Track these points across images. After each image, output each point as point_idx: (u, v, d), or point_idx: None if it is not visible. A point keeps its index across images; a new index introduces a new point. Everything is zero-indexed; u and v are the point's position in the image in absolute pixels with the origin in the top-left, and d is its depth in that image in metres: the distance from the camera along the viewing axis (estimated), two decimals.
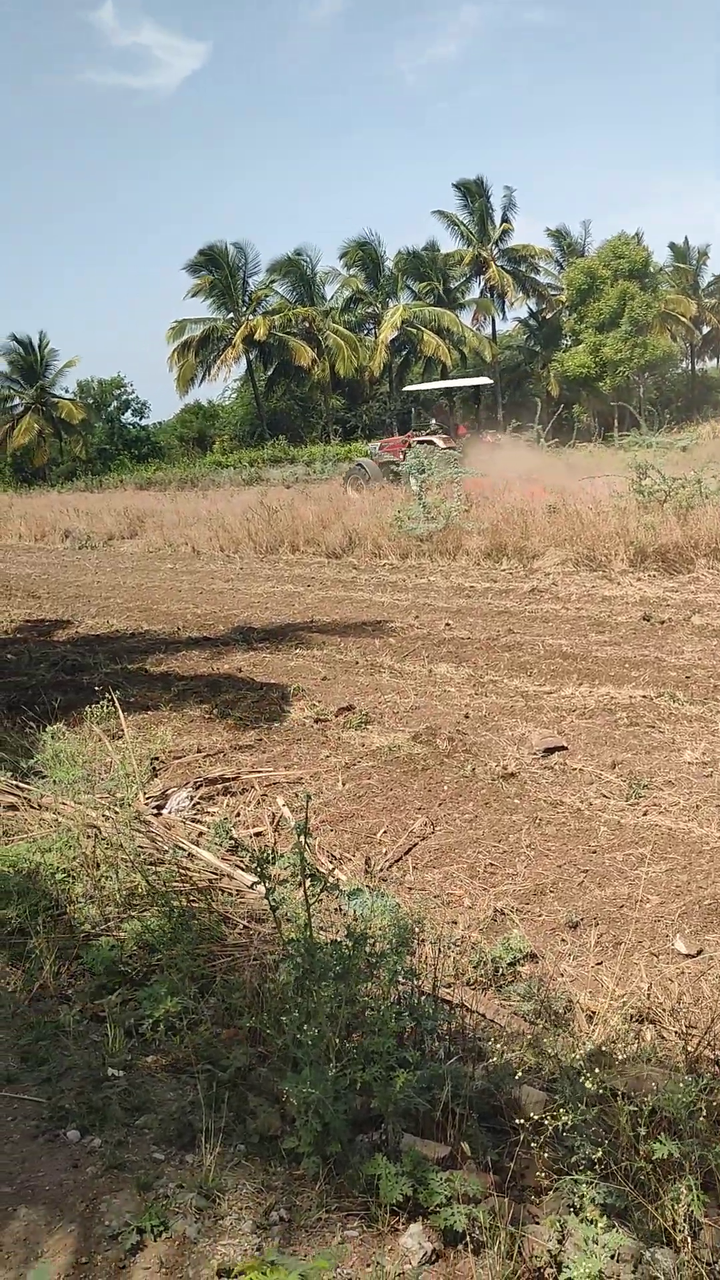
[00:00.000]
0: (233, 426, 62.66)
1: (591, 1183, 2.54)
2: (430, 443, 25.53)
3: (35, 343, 56.55)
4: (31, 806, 5.39)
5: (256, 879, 4.58)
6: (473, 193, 53.37)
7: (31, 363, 56.42)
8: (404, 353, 54.42)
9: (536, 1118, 2.95)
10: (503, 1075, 3.13)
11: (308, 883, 3.06)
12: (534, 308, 56.44)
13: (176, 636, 11.12)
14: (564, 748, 6.42)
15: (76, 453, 57.80)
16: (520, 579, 13.45)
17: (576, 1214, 2.51)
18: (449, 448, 25.57)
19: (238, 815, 5.72)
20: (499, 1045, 3.37)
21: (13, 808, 5.45)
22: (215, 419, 65.80)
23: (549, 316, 56.00)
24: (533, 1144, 2.85)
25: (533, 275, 54.91)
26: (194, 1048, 3.25)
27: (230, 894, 4.54)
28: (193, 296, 53.43)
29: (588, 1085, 2.71)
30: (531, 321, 57.27)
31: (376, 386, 57.23)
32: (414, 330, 51.59)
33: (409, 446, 23.34)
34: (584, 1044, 3.24)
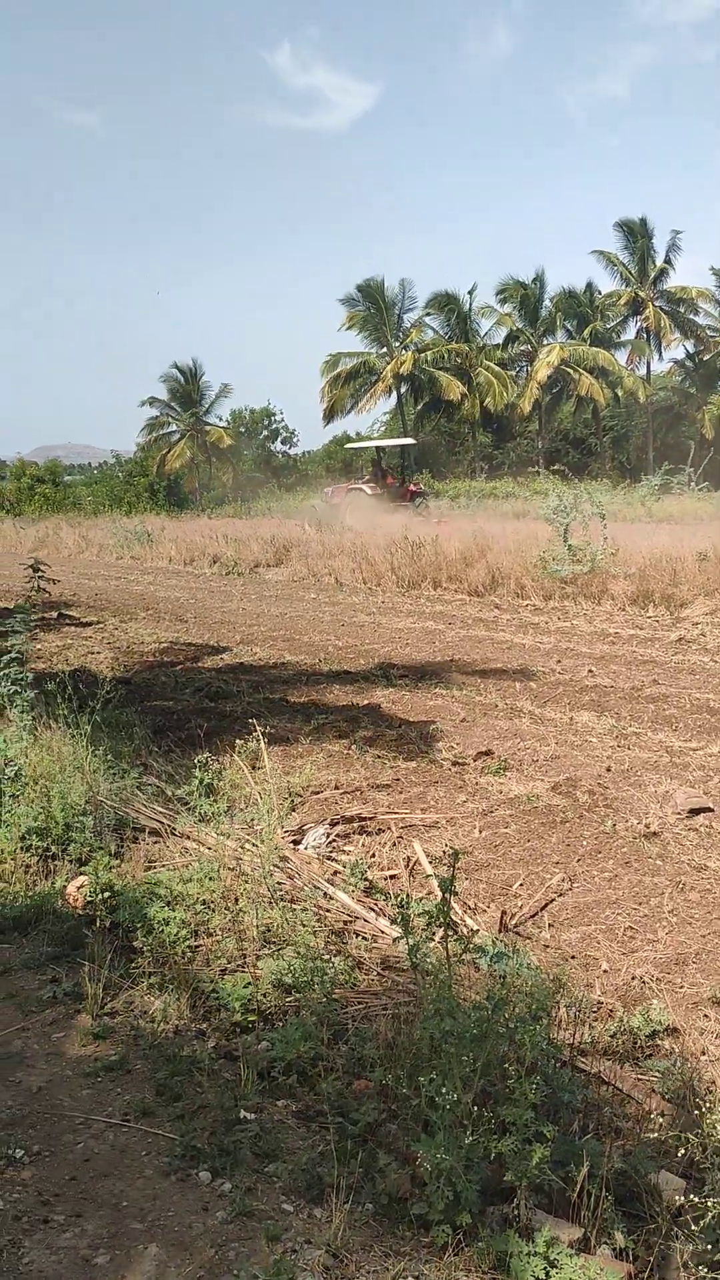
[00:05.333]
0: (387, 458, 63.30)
1: None
2: (361, 490, 33.08)
3: (193, 371, 58.44)
4: (175, 835, 5.50)
5: (391, 924, 4.57)
6: (635, 233, 52.80)
7: (189, 391, 58.27)
8: (555, 390, 54.08)
9: (676, 1205, 2.84)
10: (641, 1157, 3.03)
11: (451, 941, 3.03)
12: (691, 349, 55.36)
13: (318, 668, 11.24)
14: (710, 809, 6.21)
15: (226, 479, 59.36)
16: (667, 627, 13.13)
17: None
18: (375, 494, 32.35)
19: (372, 856, 5.72)
20: (637, 1125, 3.26)
21: (156, 834, 5.57)
22: (362, 451, 66.65)
23: (707, 359, 54.83)
24: (672, 1234, 2.74)
25: (691, 316, 53.87)
26: (325, 1096, 3.25)
27: (364, 937, 4.53)
28: (347, 329, 54.38)
29: None
30: (688, 363, 56.16)
31: (525, 424, 56.98)
32: (569, 369, 51.27)
33: (347, 491, 31.78)
34: None
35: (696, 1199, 2.74)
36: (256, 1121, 3.16)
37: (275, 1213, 2.76)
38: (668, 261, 53.11)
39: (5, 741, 6.06)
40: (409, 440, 44.27)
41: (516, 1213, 2.73)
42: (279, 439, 67.19)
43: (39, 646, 12.96)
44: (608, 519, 17.25)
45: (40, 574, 8.14)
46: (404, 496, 32.91)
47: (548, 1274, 2.50)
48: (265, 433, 66.85)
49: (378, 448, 39.41)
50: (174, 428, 58.80)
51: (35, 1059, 3.62)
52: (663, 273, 53.16)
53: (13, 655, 6.98)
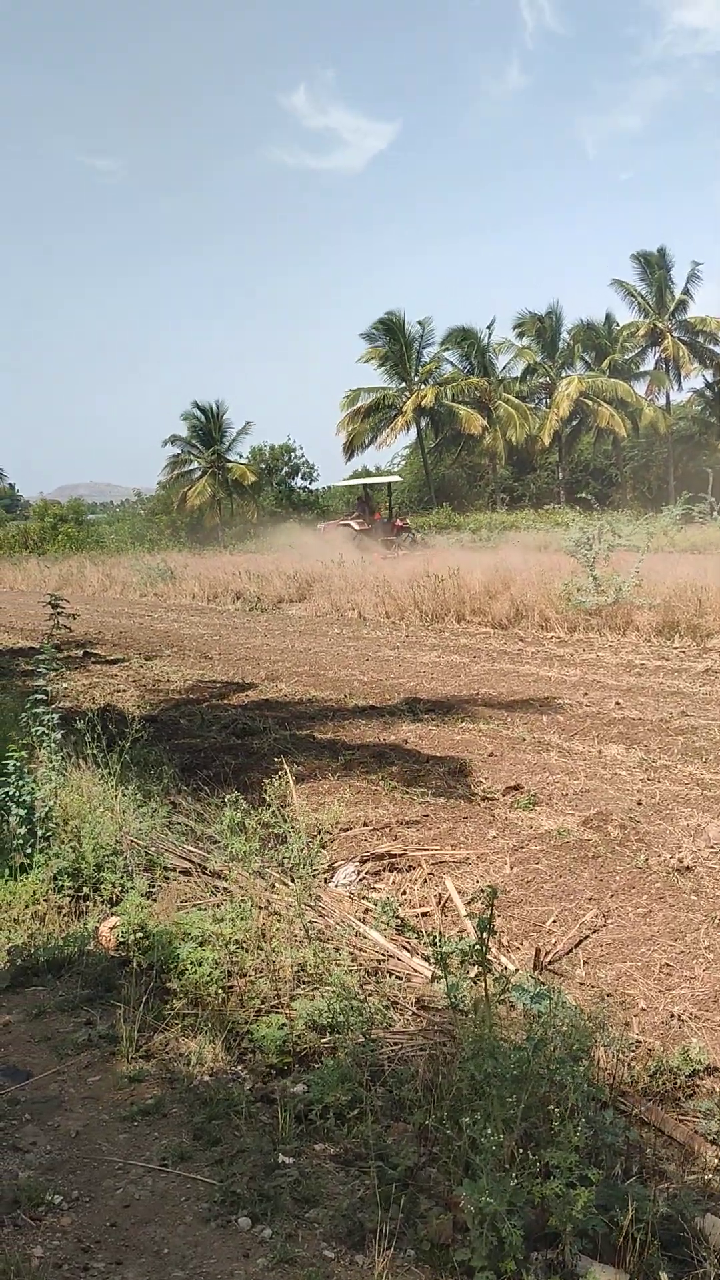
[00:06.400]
0: (400, 493, 63.50)
1: None
2: (348, 525, 35.62)
3: (214, 410, 58.92)
4: (206, 874, 5.50)
5: (426, 963, 4.54)
6: (653, 264, 53.09)
7: (210, 429, 58.73)
8: (574, 422, 54.23)
9: None
10: (686, 1200, 2.98)
11: (490, 981, 3.01)
12: (710, 379, 55.42)
13: (343, 704, 11.24)
14: None
15: (248, 515, 59.64)
16: (694, 658, 13.07)
17: None
18: (362, 530, 34.53)
19: (403, 893, 5.70)
20: (681, 1167, 3.22)
21: (187, 873, 5.57)
22: (353, 489, 66.95)
23: None
24: None
25: (710, 346, 53.99)
26: (363, 1139, 3.22)
27: (398, 976, 4.50)
28: (365, 363, 54.81)
29: None
30: (708, 392, 56.22)
31: (545, 456, 57.12)
32: (588, 401, 51.44)
33: (337, 527, 35.17)
34: None
35: None
36: (295, 1166, 3.14)
37: (316, 1259, 2.73)
38: (686, 292, 53.33)
39: (36, 782, 6.09)
40: (395, 478, 47.26)
41: (561, 1258, 2.70)
42: (299, 474, 67.57)
43: (65, 685, 13.03)
44: (630, 550, 17.25)
45: (60, 610, 8.17)
46: (391, 531, 34.72)
47: None
48: (285, 469, 67.26)
49: (365, 485, 42.20)
50: (195, 465, 59.22)
51: (72, 1103, 3.61)
52: (681, 304, 53.36)
53: (37, 696, 7.01)
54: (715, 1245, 2.82)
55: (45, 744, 6.56)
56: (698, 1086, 3.83)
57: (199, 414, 58.69)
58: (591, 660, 13.47)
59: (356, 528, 34.98)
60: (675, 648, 13.90)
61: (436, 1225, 2.83)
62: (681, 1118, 3.63)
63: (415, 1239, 2.81)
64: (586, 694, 11.06)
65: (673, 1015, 4.32)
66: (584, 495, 27.27)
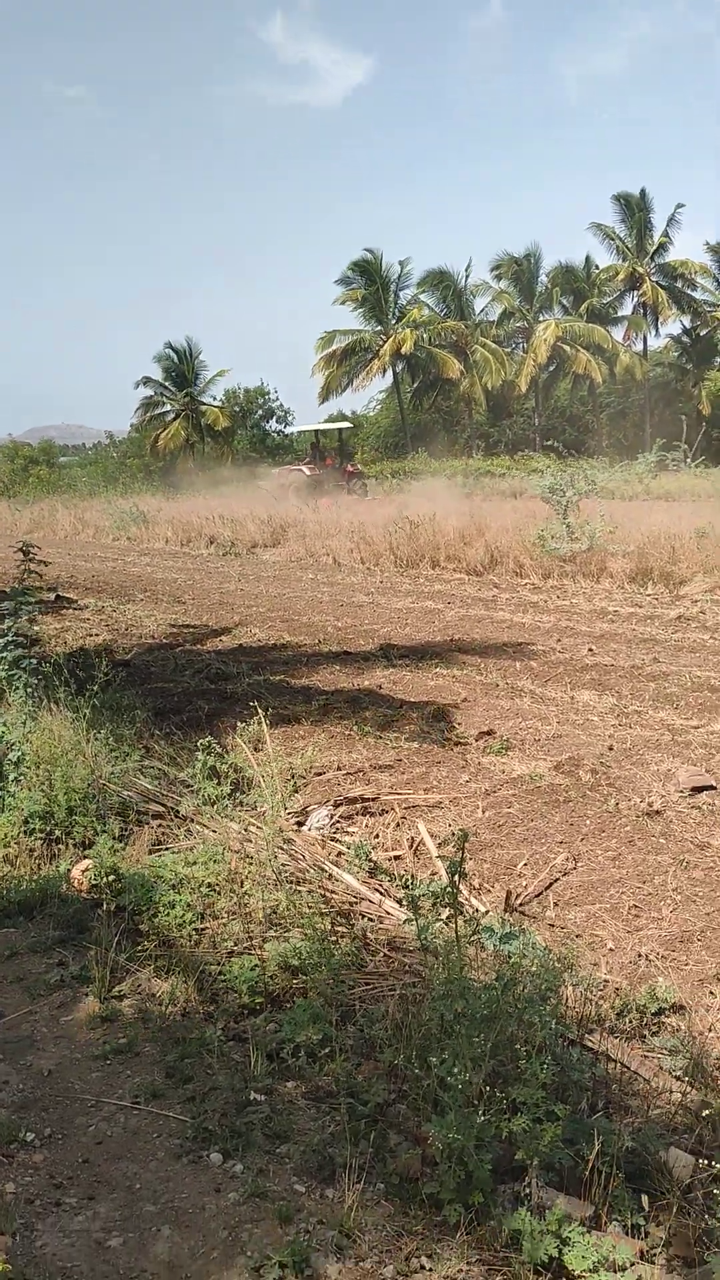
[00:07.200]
0: (376, 438, 62.98)
1: None
2: (300, 470, 36.46)
3: (188, 350, 57.96)
4: (179, 818, 5.50)
5: (398, 905, 4.58)
6: (633, 206, 52.32)
7: (183, 370, 57.83)
8: (551, 368, 53.78)
9: (686, 1183, 2.86)
10: (651, 1134, 3.04)
11: (460, 923, 3.03)
12: (688, 324, 55.02)
13: (318, 649, 11.23)
14: (713, 787, 6.21)
15: (221, 459, 59.02)
16: (666, 605, 13.12)
17: None
18: (313, 474, 35.34)
19: (376, 837, 5.73)
20: (646, 1102, 3.28)
21: (160, 817, 5.57)
22: (358, 429, 66.31)
23: (704, 334, 54.52)
24: (683, 1211, 2.76)
25: (689, 292, 53.51)
26: (334, 1077, 3.26)
27: (370, 919, 4.53)
28: (340, 305, 53.95)
29: None
30: (685, 338, 55.84)
31: (522, 401, 56.72)
32: (565, 346, 50.99)
33: (289, 472, 36.16)
34: None
35: (705, 1177, 2.76)
36: (267, 1103, 3.17)
37: (287, 1194, 2.77)
38: (666, 235, 52.69)
39: (6, 725, 6.05)
40: (346, 424, 48.01)
41: (528, 1191, 2.74)
42: (273, 418, 66.88)
43: (37, 629, 12.94)
44: (604, 497, 17.21)
45: (31, 557, 8.07)
46: (342, 477, 35.76)
47: (560, 1251, 2.52)
48: (260, 412, 66.54)
49: (316, 431, 42.74)
50: (168, 407, 58.39)
51: (44, 1042, 3.62)
52: (661, 247, 52.76)
53: (9, 639, 6.95)
54: (679, 1178, 2.88)
55: (15, 688, 6.51)
56: (663, 1024, 3.90)
57: (172, 354, 57.73)
58: (565, 607, 13.50)
59: (308, 473, 35.88)
60: (648, 595, 13.94)
61: (405, 1160, 2.88)
62: (647, 1054, 3.70)
63: (385, 1173, 2.85)
64: (560, 640, 11.10)
65: (640, 955, 4.38)
66: (553, 444, 27.13)
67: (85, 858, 5.13)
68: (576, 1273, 2.46)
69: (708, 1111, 3.01)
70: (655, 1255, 2.60)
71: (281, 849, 5.01)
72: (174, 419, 57.67)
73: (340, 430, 44.89)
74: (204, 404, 58.36)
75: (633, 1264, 2.51)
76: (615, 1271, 2.46)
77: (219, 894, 4.55)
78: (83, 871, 4.95)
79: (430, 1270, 2.50)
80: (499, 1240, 2.58)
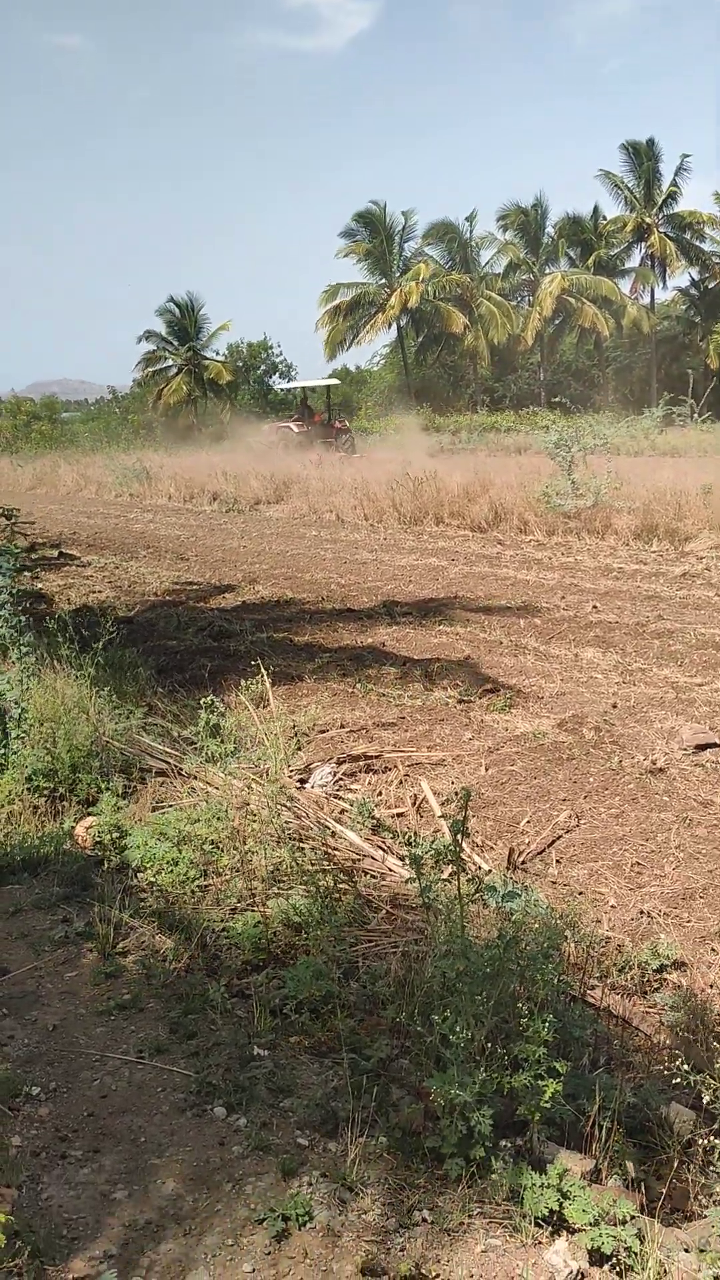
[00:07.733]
0: (380, 393, 62.47)
1: None
2: (288, 427, 36.97)
3: (190, 304, 57.34)
4: (182, 775, 5.51)
5: (401, 863, 4.59)
6: (641, 155, 51.35)
7: (185, 325, 57.23)
8: (557, 321, 53.15)
9: (687, 1137, 2.88)
10: (651, 1089, 3.06)
11: (463, 881, 3.03)
12: (695, 276, 54.25)
13: (320, 607, 11.20)
14: (716, 744, 6.21)
15: (224, 415, 58.58)
16: (671, 562, 13.06)
17: None
18: (301, 431, 35.82)
19: (379, 794, 5.74)
20: (647, 1057, 3.29)
21: (163, 774, 5.58)
22: (363, 384, 65.71)
23: (712, 286, 53.78)
24: (683, 1165, 2.78)
25: (697, 243, 52.70)
26: (337, 1033, 3.27)
27: (373, 876, 4.55)
28: (344, 257, 53.23)
29: None
30: (693, 291, 55.09)
31: (528, 356, 56.13)
32: (571, 299, 50.35)
33: (277, 429, 36.99)
34: None
35: (705, 1132, 2.78)
36: (270, 1058, 3.20)
37: (290, 1147, 2.79)
38: (675, 185, 51.79)
39: (8, 683, 6.04)
40: (333, 381, 49.91)
41: (529, 1145, 2.77)
42: (277, 373, 66.30)
43: (40, 586, 12.92)
44: (610, 453, 17.07)
45: (13, 521, 8.07)
46: (330, 433, 36.18)
47: (560, 1205, 2.54)
48: (263, 367, 65.94)
49: (304, 388, 44.39)
50: (170, 362, 57.86)
51: (49, 998, 3.65)
52: (670, 197, 51.88)
53: (5, 597, 6.92)
54: (679, 1132, 2.90)
55: (17, 645, 6.50)
56: (664, 980, 3.92)
57: (174, 308, 57.11)
58: (570, 564, 13.44)
59: (296, 430, 36.57)
60: (653, 551, 13.87)
61: (408, 1114, 2.90)
62: (649, 1011, 3.72)
63: (387, 1127, 2.87)
64: (564, 597, 11.06)
65: (642, 912, 4.40)
66: (560, 400, 26.89)
67: (89, 815, 5.14)
68: (577, 1225, 2.49)
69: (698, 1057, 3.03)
70: (656, 1207, 2.62)
71: (285, 806, 5.02)
72: (176, 374, 57.16)
73: (329, 388, 46.08)
74: (206, 359, 57.81)
75: (633, 1217, 2.53)
76: (615, 1224, 2.48)
77: (222, 851, 4.57)
78: (87, 829, 4.97)
79: (432, 1223, 2.53)
80: (499, 1193, 2.60)
